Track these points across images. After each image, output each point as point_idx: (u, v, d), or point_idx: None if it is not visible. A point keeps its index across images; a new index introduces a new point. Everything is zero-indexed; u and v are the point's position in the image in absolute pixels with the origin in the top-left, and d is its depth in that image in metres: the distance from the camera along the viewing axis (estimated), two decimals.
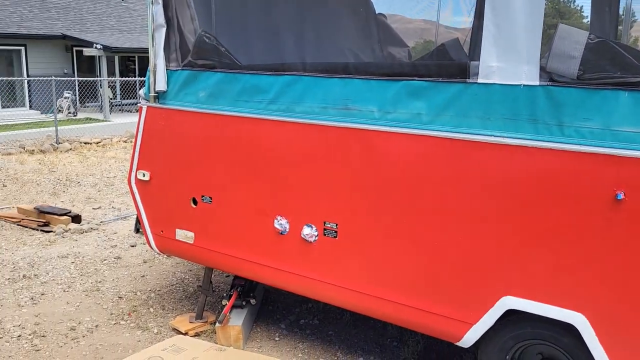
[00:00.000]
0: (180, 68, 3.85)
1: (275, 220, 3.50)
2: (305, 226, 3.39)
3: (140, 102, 4.09)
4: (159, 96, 3.96)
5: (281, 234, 3.49)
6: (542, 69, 2.55)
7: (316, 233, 3.36)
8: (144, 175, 4.07)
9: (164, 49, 3.88)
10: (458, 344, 2.98)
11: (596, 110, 2.43)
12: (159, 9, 3.83)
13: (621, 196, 2.39)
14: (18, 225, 6.66)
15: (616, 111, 2.39)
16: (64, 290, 4.79)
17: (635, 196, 2.37)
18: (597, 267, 2.50)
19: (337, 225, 3.28)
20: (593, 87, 2.43)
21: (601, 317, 2.53)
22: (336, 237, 3.29)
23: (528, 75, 2.59)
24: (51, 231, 6.40)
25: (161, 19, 3.85)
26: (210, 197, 3.78)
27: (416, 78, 2.93)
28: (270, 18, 4.31)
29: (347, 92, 3.17)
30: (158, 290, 4.84)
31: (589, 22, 4.36)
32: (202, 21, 4.00)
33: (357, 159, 3.13)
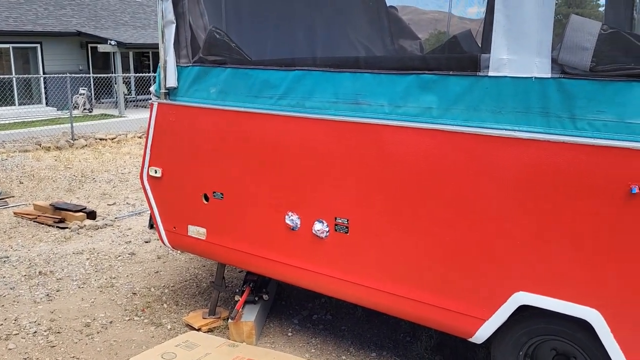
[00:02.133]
0: (190, 64, 3.85)
1: (287, 216, 3.49)
2: (316, 222, 3.38)
3: (151, 99, 4.10)
4: (170, 93, 3.97)
5: (292, 229, 3.49)
6: (554, 61, 2.51)
7: (327, 229, 3.35)
8: (155, 172, 4.09)
9: (174, 45, 3.88)
10: (471, 339, 2.96)
11: (610, 102, 2.38)
12: (168, 5, 3.83)
13: (636, 190, 2.34)
14: (34, 222, 6.74)
15: (630, 103, 2.34)
16: (79, 287, 4.84)
17: None
18: (611, 262, 2.46)
19: (348, 220, 3.26)
20: (606, 79, 2.38)
21: (616, 313, 2.49)
22: (347, 232, 3.27)
23: (539, 67, 2.55)
24: (67, 227, 6.47)
25: (171, 15, 3.85)
26: (221, 193, 3.78)
27: (426, 72, 2.89)
28: (280, 12, 4.29)
29: (357, 87, 3.15)
30: (172, 286, 4.87)
31: (604, 12, 4.28)
32: (212, 17, 3.99)
33: (367, 154, 3.11)
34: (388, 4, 5.01)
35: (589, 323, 2.58)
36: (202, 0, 3.88)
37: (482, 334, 2.89)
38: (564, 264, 2.58)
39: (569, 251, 2.56)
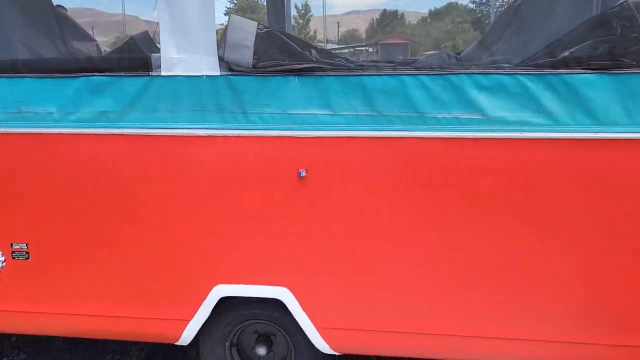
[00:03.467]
0: None
1: None
2: None
3: None
4: None
5: None
6: (221, 59, 2.61)
7: (3, 258, 2.92)
8: None
9: None
10: (178, 343, 2.92)
11: (272, 96, 2.59)
12: None
13: (303, 174, 2.60)
14: None
15: (289, 96, 2.57)
16: None
17: (314, 172, 2.61)
18: (293, 240, 2.69)
19: (27, 245, 2.89)
20: (267, 74, 2.58)
21: (303, 288, 2.74)
22: (29, 258, 2.90)
23: (209, 66, 2.62)
24: None
25: None
26: None
27: (96, 73, 2.72)
28: None
29: (18, 94, 2.79)
30: None
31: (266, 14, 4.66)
32: None
33: (39, 168, 2.79)
34: (55, 4, 4.60)
35: (282, 301, 2.78)
36: None
37: (187, 335, 2.87)
38: (252, 250, 2.72)
39: (254, 237, 2.71)
